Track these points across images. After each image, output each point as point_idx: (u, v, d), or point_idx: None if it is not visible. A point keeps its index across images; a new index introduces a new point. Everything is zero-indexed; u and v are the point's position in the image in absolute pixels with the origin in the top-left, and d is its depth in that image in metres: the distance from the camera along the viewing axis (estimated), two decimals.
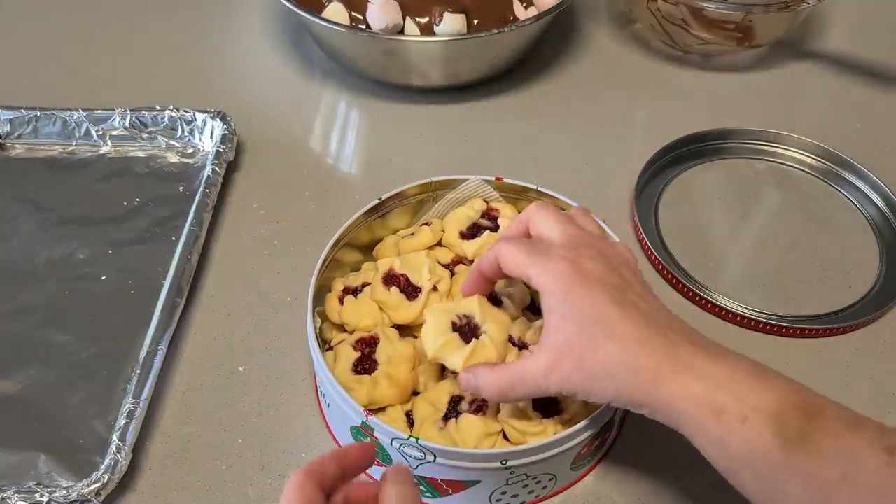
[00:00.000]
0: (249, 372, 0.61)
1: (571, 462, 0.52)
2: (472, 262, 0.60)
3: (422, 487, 0.52)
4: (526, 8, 0.84)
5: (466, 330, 0.51)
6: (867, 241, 0.72)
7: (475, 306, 0.52)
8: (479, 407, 0.52)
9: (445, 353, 0.50)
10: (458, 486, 0.51)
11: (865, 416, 0.42)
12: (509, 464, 0.49)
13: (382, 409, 0.54)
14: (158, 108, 0.77)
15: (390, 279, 0.57)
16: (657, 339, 0.44)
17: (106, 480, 0.52)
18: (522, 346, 0.55)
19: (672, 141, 0.77)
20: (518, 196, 0.64)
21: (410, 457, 0.49)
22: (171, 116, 0.77)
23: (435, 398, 0.53)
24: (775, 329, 0.64)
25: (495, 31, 0.78)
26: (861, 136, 0.82)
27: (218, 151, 0.74)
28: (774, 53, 0.93)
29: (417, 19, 0.80)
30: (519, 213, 0.62)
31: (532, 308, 0.59)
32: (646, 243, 0.69)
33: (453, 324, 0.51)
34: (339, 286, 0.60)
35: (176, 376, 0.61)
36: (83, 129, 0.78)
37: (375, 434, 0.50)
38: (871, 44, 0.94)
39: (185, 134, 0.78)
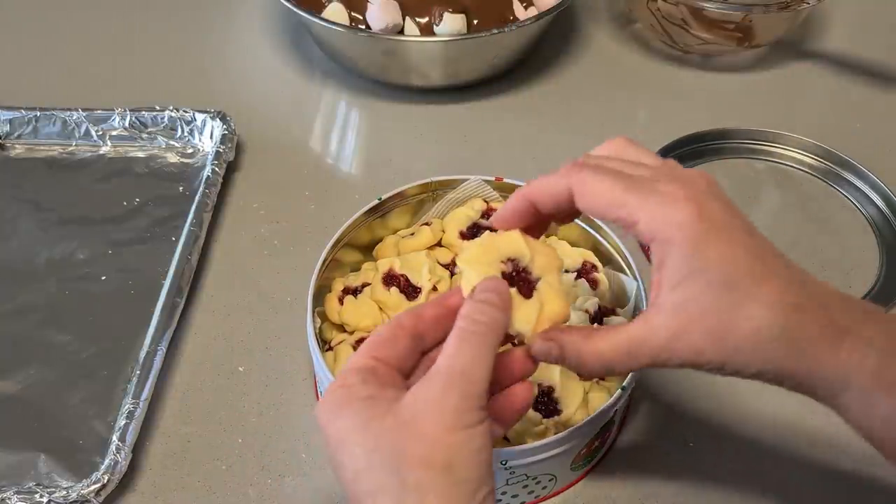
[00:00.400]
0: (249, 372, 0.61)
1: (571, 462, 0.52)
2: None
3: None
4: (526, 8, 0.84)
5: (519, 279, 0.42)
6: (867, 241, 0.72)
7: (520, 243, 0.42)
8: None
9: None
10: None
11: None
12: (509, 464, 0.49)
13: None
14: (158, 108, 0.77)
15: (390, 279, 0.57)
16: (808, 300, 0.37)
17: (106, 480, 0.52)
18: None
19: (672, 141, 0.77)
20: None
21: None
22: (171, 116, 0.77)
23: None
24: None
25: (495, 31, 0.78)
26: (861, 136, 0.82)
27: (218, 151, 0.74)
28: (774, 53, 0.93)
29: (417, 19, 0.80)
30: None
31: None
32: (646, 247, 0.69)
33: (502, 273, 0.42)
34: (339, 286, 0.60)
35: (176, 376, 0.61)
36: (83, 129, 0.78)
37: None
38: (871, 44, 0.94)
39: (185, 134, 0.78)
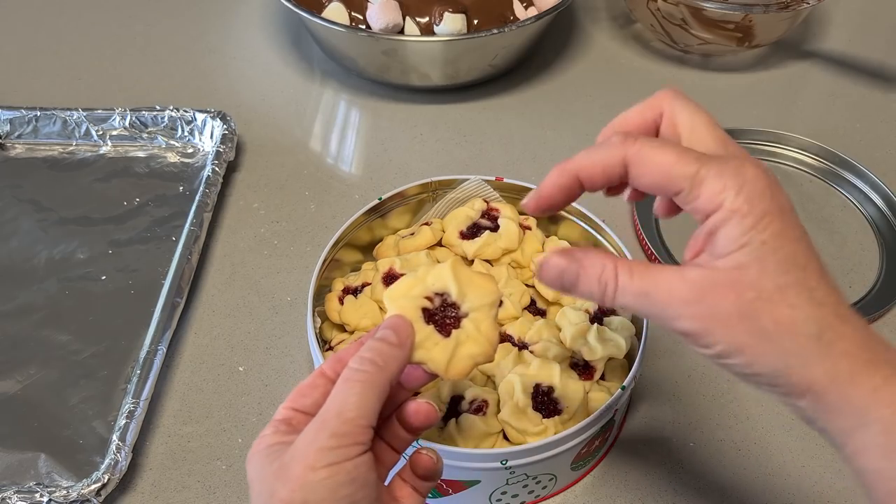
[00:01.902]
0: (249, 372, 0.61)
1: (571, 462, 0.52)
2: (471, 262, 0.60)
3: None
4: (526, 8, 0.84)
5: (443, 315, 0.41)
6: (867, 241, 0.72)
7: (448, 277, 0.42)
8: (479, 407, 0.52)
9: (422, 356, 0.40)
10: (458, 486, 0.51)
11: None
12: (509, 464, 0.49)
13: None
14: (158, 108, 0.77)
15: (390, 279, 0.57)
16: (853, 317, 0.34)
17: (106, 480, 0.52)
18: (522, 346, 0.55)
19: None
20: (518, 196, 0.64)
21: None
22: (171, 116, 0.77)
23: (435, 398, 0.53)
24: None
25: (495, 31, 0.78)
26: (861, 136, 0.82)
27: (218, 151, 0.74)
28: (774, 53, 0.93)
29: (417, 19, 0.80)
30: (520, 213, 0.63)
31: (532, 308, 0.59)
32: (646, 243, 0.69)
33: (425, 310, 0.41)
34: (339, 286, 0.60)
35: (176, 376, 0.61)
36: (83, 129, 0.78)
37: None
38: (871, 44, 0.94)
39: (185, 134, 0.78)
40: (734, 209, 0.33)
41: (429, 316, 0.41)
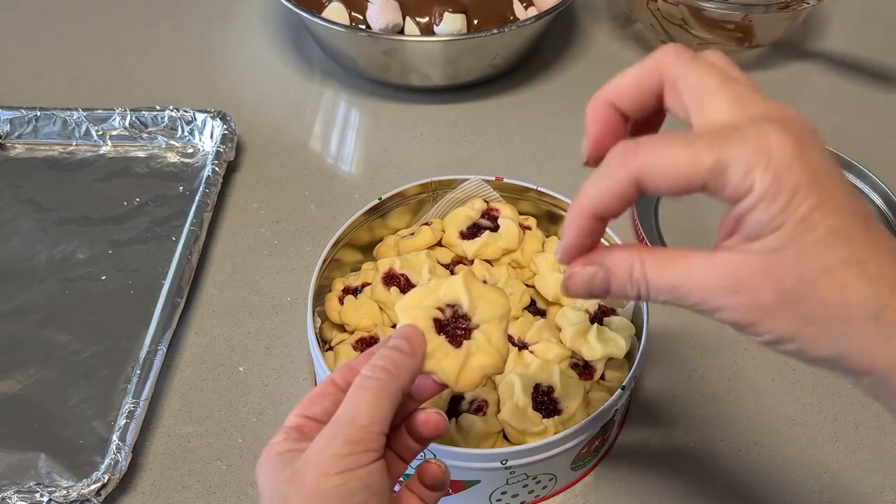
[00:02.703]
0: (249, 372, 0.61)
1: (571, 462, 0.52)
2: (471, 262, 0.60)
3: None
4: (526, 8, 0.84)
5: (454, 327, 0.42)
6: None
7: (460, 289, 0.42)
8: (479, 407, 0.52)
9: (433, 366, 0.40)
10: (458, 486, 0.51)
11: None
12: (509, 464, 0.49)
13: None
14: (158, 108, 0.77)
15: (390, 279, 0.57)
16: None
17: (106, 480, 0.52)
18: (523, 346, 0.55)
19: None
20: (518, 196, 0.64)
21: None
22: (171, 116, 0.77)
23: (435, 398, 0.53)
24: None
25: (495, 31, 0.78)
26: (861, 136, 0.82)
27: (218, 151, 0.74)
28: (774, 53, 0.93)
29: (417, 19, 0.80)
30: (520, 213, 0.63)
31: (532, 308, 0.59)
32: (646, 243, 0.69)
33: (436, 321, 0.42)
34: (339, 286, 0.60)
35: (176, 376, 0.61)
36: (83, 129, 0.78)
37: None
38: (871, 44, 0.94)
39: (185, 134, 0.78)
40: (762, 193, 0.29)
41: (440, 327, 0.41)
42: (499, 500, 0.53)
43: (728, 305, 0.31)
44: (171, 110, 0.77)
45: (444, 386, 0.41)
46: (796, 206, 0.29)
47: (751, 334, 0.32)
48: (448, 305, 0.42)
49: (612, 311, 0.57)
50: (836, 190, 0.30)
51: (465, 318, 0.42)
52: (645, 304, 0.56)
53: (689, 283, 0.32)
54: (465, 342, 0.41)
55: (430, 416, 0.41)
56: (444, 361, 0.40)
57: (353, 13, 0.81)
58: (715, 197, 0.31)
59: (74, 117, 0.77)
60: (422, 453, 0.42)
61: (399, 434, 0.41)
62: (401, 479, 0.42)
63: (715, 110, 0.32)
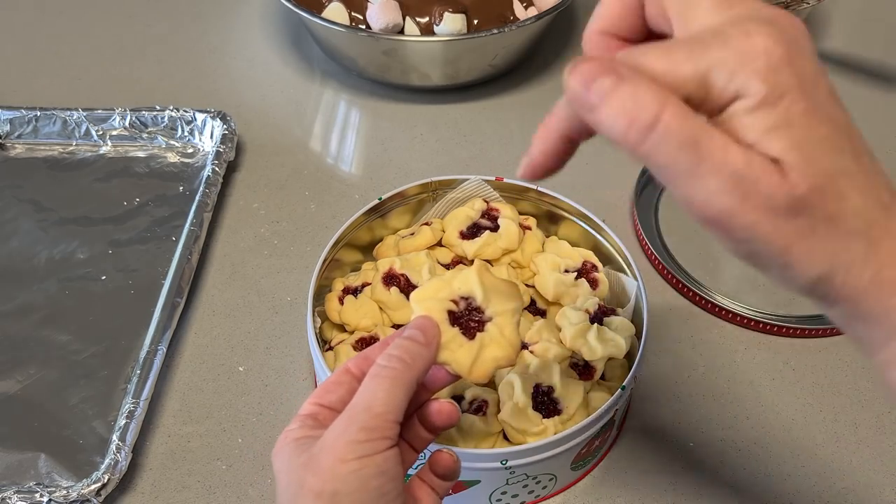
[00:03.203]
0: (249, 372, 0.61)
1: (571, 462, 0.52)
2: (471, 262, 0.60)
3: None
4: (526, 8, 0.84)
5: (467, 319, 0.42)
6: None
7: (474, 282, 0.42)
8: (479, 407, 0.52)
9: (447, 357, 0.41)
10: (458, 485, 0.51)
11: None
12: (509, 464, 0.49)
13: None
14: (158, 108, 0.77)
15: (390, 279, 0.57)
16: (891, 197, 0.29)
17: (106, 480, 0.52)
18: (522, 347, 0.55)
19: None
20: (518, 196, 0.64)
21: None
22: (171, 116, 0.77)
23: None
24: (775, 329, 0.64)
25: (495, 31, 0.78)
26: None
27: (218, 151, 0.74)
28: None
29: (417, 19, 0.80)
30: (520, 213, 0.63)
31: (532, 308, 0.59)
32: (646, 243, 0.69)
33: (450, 313, 0.42)
34: (339, 286, 0.60)
35: (176, 376, 0.61)
36: (83, 129, 0.78)
37: None
38: (871, 44, 0.94)
39: (185, 134, 0.78)
40: (747, 100, 0.27)
41: (454, 319, 0.42)
42: (499, 500, 0.53)
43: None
44: (171, 110, 0.77)
45: (456, 377, 0.42)
46: (782, 112, 0.27)
47: (743, 251, 0.29)
48: (462, 297, 0.42)
49: (612, 312, 0.57)
50: (824, 99, 0.28)
51: (479, 310, 0.42)
52: (645, 304, 0.56)
53: (711, 160, 0.28)
54: (478, 334, 0.42)
55: (443, 405, 0.41)
56: (458, 353, 0.41)
57: (353, 13, 0.81)
58: (699, 111, 0.28)
59: (74, 117, 0.77)
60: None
61: (411, 424, 0.42)
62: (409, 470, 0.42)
63: (698, 15, 0.29)
